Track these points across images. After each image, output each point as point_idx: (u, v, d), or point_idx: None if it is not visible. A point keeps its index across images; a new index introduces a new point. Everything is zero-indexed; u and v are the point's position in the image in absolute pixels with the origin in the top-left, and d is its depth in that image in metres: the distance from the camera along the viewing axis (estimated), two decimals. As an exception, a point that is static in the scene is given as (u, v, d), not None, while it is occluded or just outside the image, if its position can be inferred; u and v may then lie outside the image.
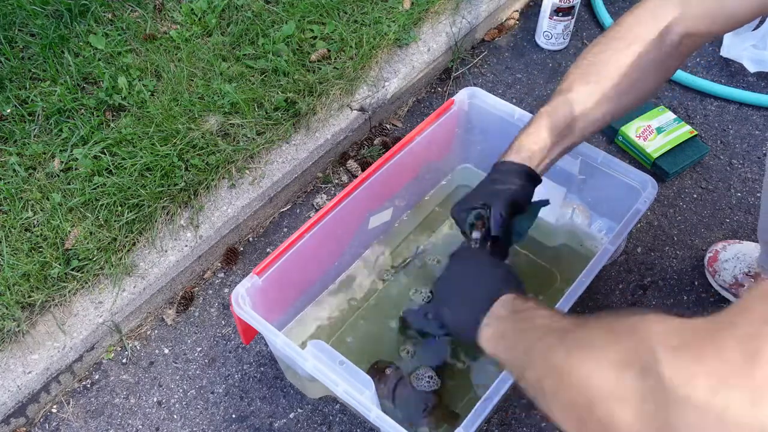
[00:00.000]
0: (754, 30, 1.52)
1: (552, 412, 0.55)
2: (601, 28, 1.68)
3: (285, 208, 1.37)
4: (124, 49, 1.45)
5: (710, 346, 0.40)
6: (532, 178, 0.90)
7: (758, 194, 1.35)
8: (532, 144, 0.89)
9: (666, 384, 0.41)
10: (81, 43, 1.46)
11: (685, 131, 1.40)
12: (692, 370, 0.40)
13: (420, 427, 1.04)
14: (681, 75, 1.53)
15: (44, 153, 1.28)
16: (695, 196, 1.36)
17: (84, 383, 1.15)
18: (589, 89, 0.88)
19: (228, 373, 1.15)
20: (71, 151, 1.28)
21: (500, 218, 0.86)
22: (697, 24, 0.83)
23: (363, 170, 1.26)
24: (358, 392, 0.84)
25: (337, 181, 1.41)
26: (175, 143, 1.27)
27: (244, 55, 1.44)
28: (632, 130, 1.40)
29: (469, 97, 1.20)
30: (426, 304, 1.16)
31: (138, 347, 1.19)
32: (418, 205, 1.30)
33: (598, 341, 0.52)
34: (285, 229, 1.34)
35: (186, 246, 1.21)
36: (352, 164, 1.40)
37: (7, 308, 1.10)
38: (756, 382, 0.37)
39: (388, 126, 1.50)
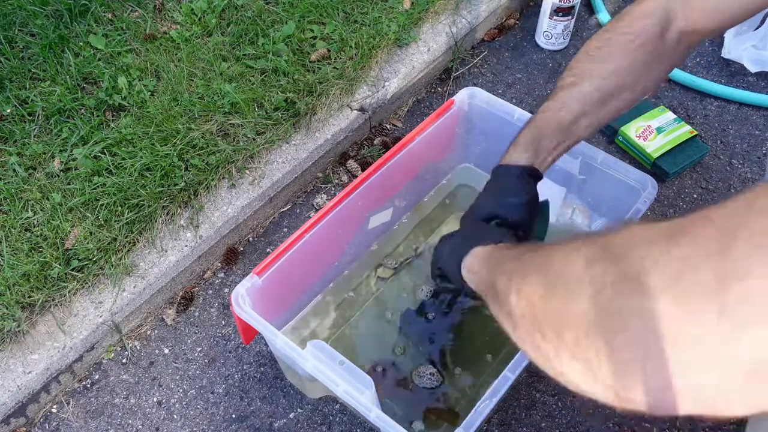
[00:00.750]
0: (755, 30, 1.52)
1: (511, 319, 0.52)
2: (601, 28, 1.68)
3: (285, 208, 1.37)
4: (124, 49, 1.45)
5: (683, 234, 0.38)
6: (537, 179, 0.89)
7: (758, 194, 1.35)
8: (536, 142, 0.88)
9: (630, 271, 0.39)
10: (81, 43, 1.46)
11: (685, 131, 1.40)
12: (662, 258, 0.38)
13: (416, 420, 1.05)
14: (681, 75, 1.53)
15: (44, 153, 1.28)
16: (695, 196, 1.36)
17: (84, 383, 1.15)
18: (592, 86, 0.86)
19: (228, 373, 1.15)
20: (71, 151, 1.28)
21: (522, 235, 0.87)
22: (695, 21, 0.82)
23: (363, 170, 1.26)
24: (358, 392, 0.84)
25: (337, 181, 1.41)
26: (175, 143, 1.27)
27: (244, 55, 1.44)
28: (632, 130, 1.40)
29: (469, 97, 1.20)
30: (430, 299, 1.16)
31: (138, 347, 1.19)
32: (418, 205, 1.30)
33: (573, 245, 0.48)
34: (285, 229, 1.34)
35: (186, 246, 1.22)
36: (352, 164, 1.40)
37: (7, 308, 1.10)
38: (726, 265, 0.34)
39: (388, 126, 1.50)
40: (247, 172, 1.30)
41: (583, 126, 0.88)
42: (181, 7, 1.53)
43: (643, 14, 0.84)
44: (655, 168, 1.38)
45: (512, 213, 0.86)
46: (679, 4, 0.82)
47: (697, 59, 1.60)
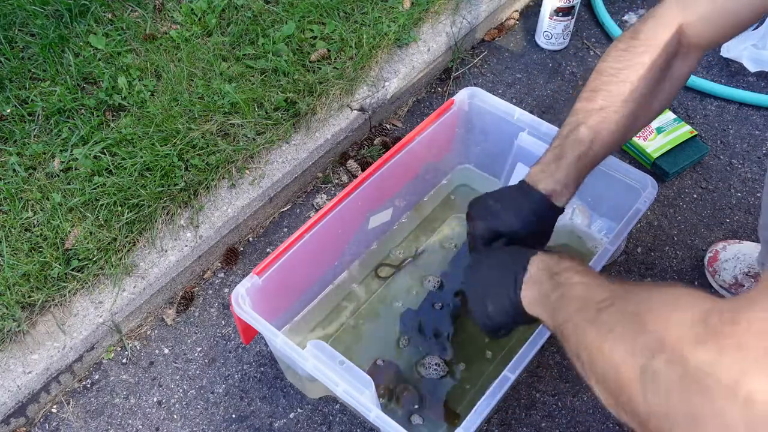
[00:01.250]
0: (754, 29, 1.52)
1: (588, 380, 0.58)
2: (601, 28, 1.68)
3: (285, 208, 1.37)
4: (124, 49, 1.45)
5: (731, 338, 0.43)
6: (557, 215, 0.90)
7: (758, 194, 1.35)
8: (566, 175, 0.87)
9: (692, 373, 0.44)
10: (81, 43, 1.46)
11: (685, 131, 1.40)
12: (716, 361, 0.43)
13: (414, 414, 1.05)
14: (681, 75, 1.53)
15: (44, 153, 1.28)
16: (695, 196, 1.36)
17: (84, 383, 1.15)
18: (621, 111, 0.86)
19: (228, 373, 1.15)
20: (71, 151, 1.28)
21: None
22: (703, 33, 0.83)
23: (363, 170, 1.26)
24: (358, 392, 0.84)
25: (337, 181, 1.41)
26: (175, 143, 1.28)
27: (244, 55, 1.44)
28: (632, 130, 1.40)
29: (469, 97, 1.20)
30: (425, 301, 1.16)
31: (138, 347, 1.19)
32: (418, 205, 1.30)
33: (629, 326, 0.53)
34: (285, 229, 1.34)
35: (186, 246, 1.22)
36: (352, 164, 1.40)
37: (7, 308, 1.10)
38: None
39: (388, 126, 1.50)
40: (247, 172, 1.30)
41: (609, 151, 0.91)
42: (181, 7, 1.53)
43: (654, 34, 0.84)
44: (655, 168, 1.38)
45: (528, 238, 0.87)
46: (687, 19, 0.83)
47: (697, 59, 1.60)
